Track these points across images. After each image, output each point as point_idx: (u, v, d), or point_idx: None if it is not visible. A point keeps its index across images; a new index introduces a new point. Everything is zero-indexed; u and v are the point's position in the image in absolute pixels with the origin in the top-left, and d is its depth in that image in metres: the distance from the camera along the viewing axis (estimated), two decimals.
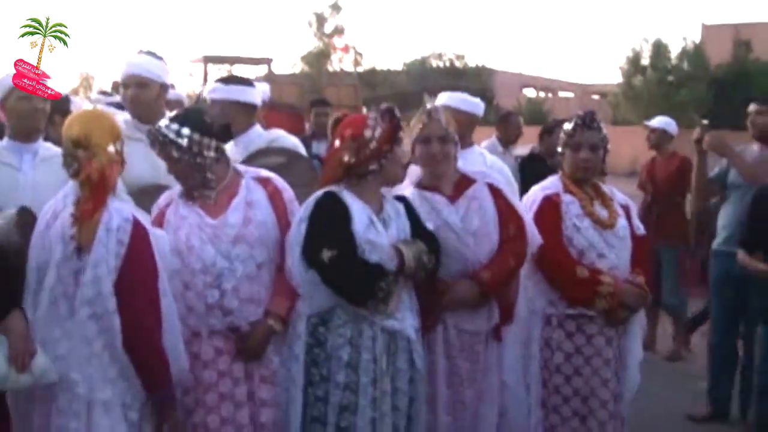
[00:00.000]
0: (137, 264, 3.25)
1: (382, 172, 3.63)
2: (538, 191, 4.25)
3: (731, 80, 41.22)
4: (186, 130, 3.55)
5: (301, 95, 21.35)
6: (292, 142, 4.83)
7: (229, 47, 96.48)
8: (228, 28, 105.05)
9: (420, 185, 4.04)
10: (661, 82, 43.10)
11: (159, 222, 3.61)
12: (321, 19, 50.61)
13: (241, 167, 3.82)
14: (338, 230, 3.53)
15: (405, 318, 3.63)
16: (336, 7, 50.46)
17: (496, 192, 4.04)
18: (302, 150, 4.85)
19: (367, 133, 3.60)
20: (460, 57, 54.69)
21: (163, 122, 3.60)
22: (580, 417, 4.08)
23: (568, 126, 4.22)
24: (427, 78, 50.47)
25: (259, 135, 4.71)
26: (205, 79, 22.12)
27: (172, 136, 3.55)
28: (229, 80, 4.81)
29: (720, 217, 6.10)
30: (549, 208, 4.15)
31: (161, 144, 3.56)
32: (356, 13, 75.17)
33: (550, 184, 4.28)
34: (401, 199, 3.80)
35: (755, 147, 6.01)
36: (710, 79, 41.94)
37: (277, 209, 3.70)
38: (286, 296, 3.62)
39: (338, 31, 50.75)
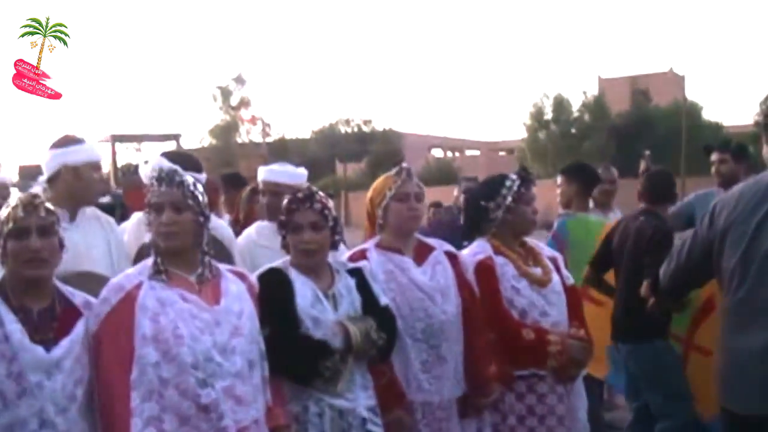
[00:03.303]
0: None
1: (292, 253, 3.59)
2: (469, 257, 4.15)
3: (632, 128, 42.53)
4: (200, 182, 3.26)
5: (210, 169, 21.14)
6: (229, 235, 4.75)
7: (136, 125, 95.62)
8: (133, 106, 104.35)
9: (381, 246, 3.96)
10: (565, 135, 44.33)
11: (128, 307, 3.05)
12: (226, 93, 50.73)
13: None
14: (276, 307, 3.40)
15: (357, 398, 3.47)
16: (240, 80, 50.69)
17: (453, 258, 4.03)
18: (234, 244, 4.73)
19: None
20: (367, 122, 55.37)
21: (165, 163, 3.22)
22: None
23: (510, 183, 4.15)
24: (336, 144, 50.83)
25: None
26: (114, 158, 21.77)
27: (190, 180, 3.18)
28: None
29: None
30: (484, 273, 4.07)
31: (178, 184, 3.13)
32: (261, 83, 75.33)
33: (479, 248, 4.18)
34: (355, 272, 3.69)
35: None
36: (611, 128, 43.20)
37: (256, 306, 3.32)
38: (284, 402, 3.37)
39: (244, 103, 50.87)
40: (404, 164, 4.04)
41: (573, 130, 44.14)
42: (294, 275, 3.51)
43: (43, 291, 3.03)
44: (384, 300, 3.66)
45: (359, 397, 3.48)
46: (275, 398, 3.31)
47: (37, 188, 5.83)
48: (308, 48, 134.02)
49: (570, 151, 41.15)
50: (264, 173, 5.09)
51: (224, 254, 4.16)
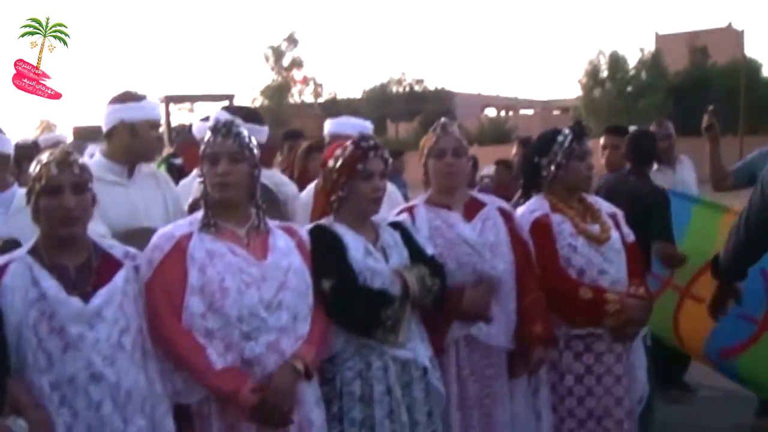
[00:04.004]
0: None
1: (348, 204, 3.50)
2: (525, 214, 4.08)
3: (690, 86, 41.75)
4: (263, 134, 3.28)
5: None
6: (293, 191, 4.73)
7: (190, 86, 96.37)
8: (187, 67, 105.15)
9: (429, 202, 3.92)
10: (621, 93, 43.65)
11: (180, 254, 3.09)
12: (278, 53, 50.79)
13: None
14: (334, 259, 3.38)
15: (417, 347, 3.46)
16: (292, 40, 50.68)
17: (507, 216, 3.97)
18: (298, 200, 4.71)
19: (331, 162, 3.53)
20: (419, 81, 55.11)
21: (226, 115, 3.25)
22: None
23: (562, 139, 4.06)
24: (388, 104, 50.71)
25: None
26: (168, 119, 21.91)
27: (245, 132, 3.23)
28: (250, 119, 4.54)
29: None
30: (541, 231, 4.00)
31: (235, 136, 3.16)
32: (313, 44, 75.35)
33: (536, 205, 4.11)
34: (397, 225, 3.67)
35: None
36: (669, 87, 42.43)
37: (306, 260, 3.32)
38: (313, 343, 3.22)
39: (296, 63, 50.91)
40: (443, 119, 3.97)
41: (629, 88, 43.43)
42: (341, 230, 3.47)
43: (77, 247, 3.02)
44: (430, 250, 3.64)
45: (419, 347, 3.46)
46: (313, 341, 3.22)
47: (92, 147, 5.91)
48: (360, 8, 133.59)
49: (626, 110, 40.55)
50: (331, 125, 5.14)
51: (276, 209, 4.15)
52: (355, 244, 3.43)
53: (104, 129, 4.08)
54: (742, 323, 4.95)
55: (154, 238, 3.19)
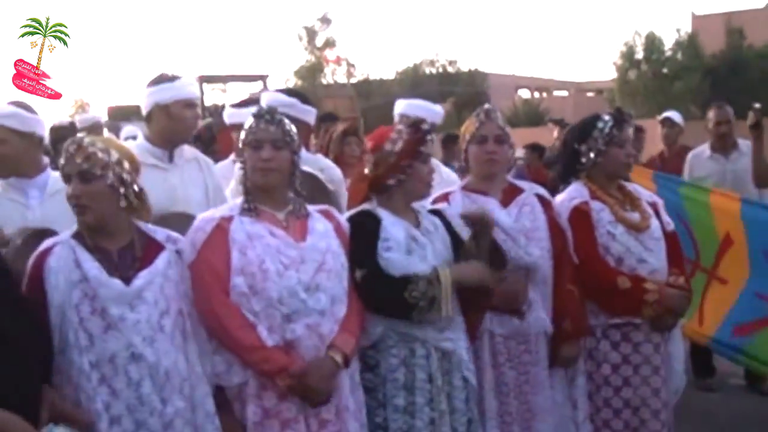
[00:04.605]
0: None
1: (404, 187, 3.47)
2: (564, 201, 4.05)
3: (726, 69, 41.09)
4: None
5: None
6: (338, 175, 4.69)
7: (223, 66, 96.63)
8: (220, 47, 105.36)
9: (467, 188, 3.91)
10: (656, 75, 43.00)
11: (222, 235, 3.14)
12: (311, 33, 50.69)
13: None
14: (366, 249, 3.37)
15: (459, 339, 3.45)
16: (325, 20, 50.53)
17: (546, 203, 3.94)
18: (342, 184, 4.67)
19: (387, 146, 3.47)
20: (452, 62, 54.71)
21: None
22: (631, 429, 3.91)
23: (602, 125, 4.00)
24: (420, 85, 50.52)
25: (306, 158, 4.43)
26: (202, 99, 21.97)
27: (286, 119, 3.27)
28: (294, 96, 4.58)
29: None
30: (580, 219, 3.97)
31: (278, 123, 3.21)
32: (346, 24, 75.17)
33: (576, 192, 4.07)
34: (436, 212, 3.64)
35: None
36: (705, 69, 41.77)
37: (344, 245, 3.34)
38: (352, 332, 3.23)
39: (329, 44, 50.81)
40: (486, 105, 3.95)
41: (665, 70, 42.86)
42: (384, 215, 3.45)
43: (115, 232, 3.07)
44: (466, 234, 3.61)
45: (461, 339, 3.45)
46: (352, 329, 3.24)
47: (129, 128, 5.92)
48: None
49: (661, 92, 40.03)
50: (404, 107, 5.16)
51: (326, 196, 4.11)
52: (395, 230, 3.40)
53: (144, 113, 4.10)
54: (758, 302, 4.97)
55: (197, 221, 3.23)
